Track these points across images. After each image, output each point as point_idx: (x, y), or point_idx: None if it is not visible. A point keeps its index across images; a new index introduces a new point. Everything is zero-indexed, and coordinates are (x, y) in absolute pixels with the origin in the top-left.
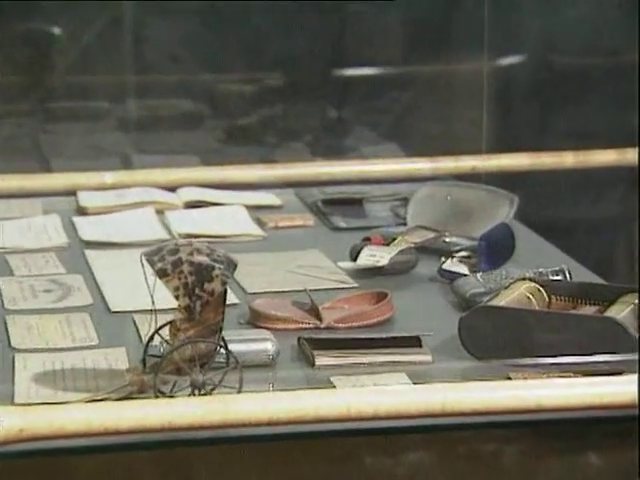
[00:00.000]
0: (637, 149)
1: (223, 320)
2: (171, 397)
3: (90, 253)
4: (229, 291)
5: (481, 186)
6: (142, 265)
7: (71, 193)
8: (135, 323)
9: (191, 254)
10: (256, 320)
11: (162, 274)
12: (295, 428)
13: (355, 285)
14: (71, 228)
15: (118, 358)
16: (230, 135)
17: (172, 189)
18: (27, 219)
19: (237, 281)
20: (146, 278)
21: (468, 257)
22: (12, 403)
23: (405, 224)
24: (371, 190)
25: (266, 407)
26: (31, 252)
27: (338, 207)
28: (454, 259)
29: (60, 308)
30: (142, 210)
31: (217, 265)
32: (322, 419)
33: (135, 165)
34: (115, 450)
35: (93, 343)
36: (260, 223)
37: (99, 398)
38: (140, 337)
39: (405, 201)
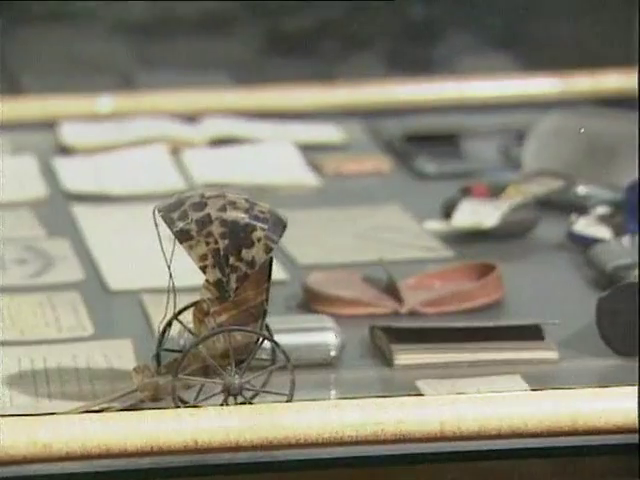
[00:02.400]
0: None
1: (267, 301)
2: (196, 407)
3: (79, 209)
4: (275, 262)
5: (629, 115)
6: (155, 225)
7: (51, 125)
8: (144, 306)
9: (223, 209)
10: (312, 302)
11: (184, 237)
12: (366, 450)
13: (449, 254)
14: (51, 174)
15: (122, 354)
16: (272, 44)
17: (192, 119)
18: None
19: (286, 248)
20: (161, 243)
21: (610, 215)
22: None
23: (521, 168)
24: (472, 121)
25: (327, 421)
26: (2, 208)
27: (425, 145)
28: (590, 218)
29: (39, 285)
30: (150, 149)
31: (259, 225)
32: (404, 438)
33: (140, 85)
34: (119, 479)
35: (86, 333)
36: (316, 168)
37: (96, 408)
38: (152, 325)
39: (520, 136)
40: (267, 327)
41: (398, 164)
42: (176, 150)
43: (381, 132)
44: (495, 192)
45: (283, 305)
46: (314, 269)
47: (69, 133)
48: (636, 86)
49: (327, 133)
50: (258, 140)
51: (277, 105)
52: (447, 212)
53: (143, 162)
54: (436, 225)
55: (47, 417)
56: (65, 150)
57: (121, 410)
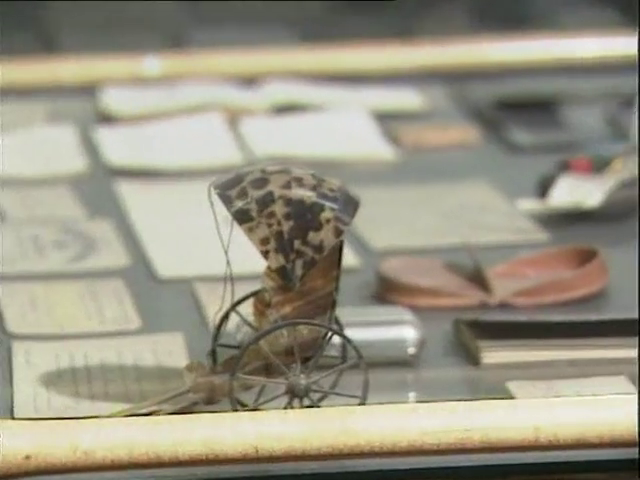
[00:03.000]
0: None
1: (337, 291)
2: (257, 410)
3: (123, 186)
4: (346, 246)
5: None
6: (210, 204)
7: (91, 90)
8: (197, 296)
9: (287, 186)
10: (388, 292)
11: (243, 218)
12: (450, 460)
13: (545, 238)
14: (92, 146)
15: (172, 349)
16: None
17: (251, 83)
18: (24, 132)
19: (358, 231)
20: (217, 225)
21: None
22: (10, 417)
23: (628, 140)
24: (573, 85)
25: (404, 427)
26: (32, 184)
27: (519, 112)
28: None
29: (80, 272)
30: (204, 118)
31: (328, 204)
32: (493, 446)
33: (192, 44)
34: None
35: (132, 326)
36: (393, 139)
37: (144, 411)
38: (206, 317)
39: (629, 102)
40: (337, 320)
41: (487, 134)
42: (233, 119)
43: (468, 98)
44: (599, 167)
45: (355, 295)
46: (390, 254)
47: (112, 99)
48: None
49: (406, 99)
50: (327, 107)
51: (349, 67)
52: (543, 189)
53: (195, 132)
54: (530, 204)
55: (89, 421)
56: (107, 118)
57: (172, 413)
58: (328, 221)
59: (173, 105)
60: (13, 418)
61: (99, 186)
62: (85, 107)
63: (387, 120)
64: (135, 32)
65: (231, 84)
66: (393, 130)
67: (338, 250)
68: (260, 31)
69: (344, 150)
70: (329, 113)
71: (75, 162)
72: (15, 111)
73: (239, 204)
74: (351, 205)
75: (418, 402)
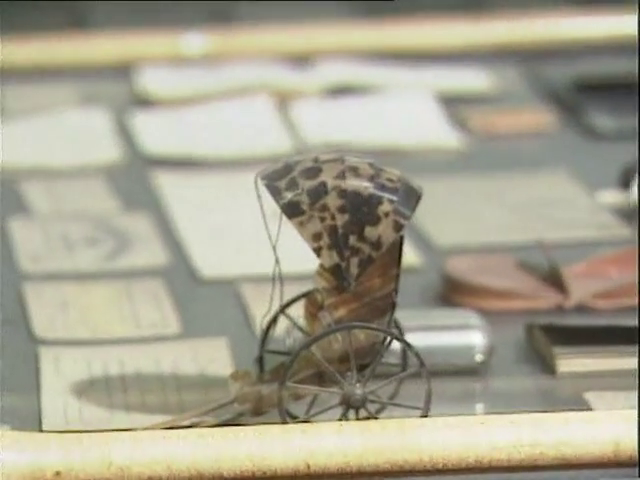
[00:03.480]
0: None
1: (397, 292)
2: (308, 422)
3: (161, 177)
4: (407, 242)
5: None
6: (258, 197)
7: (127, 71)
8: (243, 297)
9: (342, 176)
10: (454, 293)
11: (293, 211)
12: (521, 478)
13: (628, 234)
14: (127, 132)
15: (215, 356)
16: None
17: (303, 63)
18: (52, 117)
19: (420, 226)
20: (264, 219)
21: None
22: (39, 429)
23: None
24: None
25: (472, 442)
26: (61, 175)
27: (599, 95)
28: None
29: (113, 271)
30: (250, 101)
31: (387, 196)
32: (568, 462)
33: (238, 20)
34: None
35: (172, 331)
36: (460, 124)
37: (185, 424)
38: (253, 321)
39: None
40: (396, 324)
41: (564, 119)
42: (283, 102)
43: (543, 78)
44: None
45: (416, 297)
46: (456, 252)
47: (149, 80)
48: None
49: (474, 80)
50: (386, 89)
51: (411, 44)
52: (626, 180)
53: (241, 117)
54: (612, 197)
55: (124, 434)
56: (144, 102)
57: (215, 426)
58: (387, 215)
59: (217, 87)
60: (41, 431)
61: (135, 177)
62: (120, 89)
63: (453, 103)
64: (175, 7)
65: (281, 64)
66: (460, 115)
67: (398, 247)
68: (313, 5)
69: (405, 137)
70: (389, 96)
71: (109, 150)
72: (43, 94)
73: (289, 196)
74: (412, 197)
75: (487, 414)
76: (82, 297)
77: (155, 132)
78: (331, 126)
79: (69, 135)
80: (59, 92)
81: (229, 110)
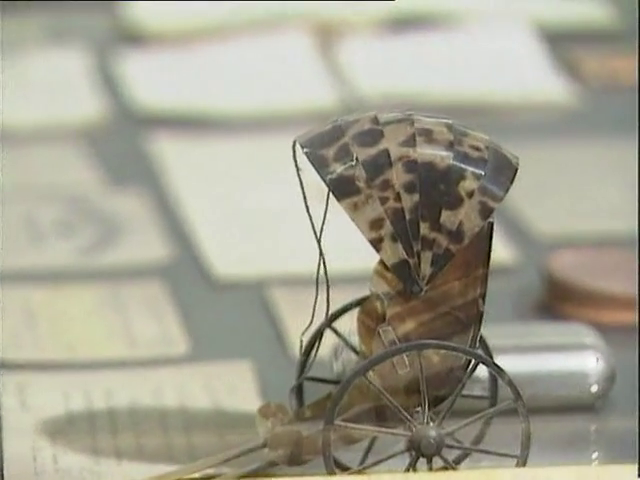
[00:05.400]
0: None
1: (484, 300)
2: (364, 474)
3: (159, 141)
4: (497, 232)
5: None
6: (296, 168)
7: None
8: (273, 305)
9: (410, 143)
10: (560, 301)
11: (344, 189)
12: None
13: None
14: (112, 80)
15: (235, 385)
16: None
17: None
18: (14, 61)
19: (513, 209)
20: (305, 200)
21: None
22: None
23: None
24: None
25: None
26: (26, 138)
27: None
28: None
29: (97, 270)
30: (280, 37)
31: (471, 169)
32: None
33: None
34: None
35: (177, 351)
36: (569, 70)
37: (197, 476)
38: (287, 337)
39: None
40: (483, 342)
41: None
42: (325, 39)
43: None
44: None
45: (510, 306)
46: (563, 245)
47: (141, 9)
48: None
49: (589, 10)
50: (467, 21)
51: None
52: None
53: (268, 59)
54: None
55: None
56: (135, 38)
57: (240, 478)
58: (471, 194)
59: (233, 18)
60: None
61: (124, 141)
62: (102, 21)
63: (561, 42)
64: None
65: None
66: (570, 57)
67: (486, 238)
68: None
69: (494, 87)
70: (470, 30)
71: (88, 105)
72: (10, 28)
73: (339, 169)
74: (505, 170)
75: (604, 464)
76: (55, 305)
77: (150, 80)
78: (393, 72)
79: (35, 84)
80: (21, 26)
81: (251, 49)
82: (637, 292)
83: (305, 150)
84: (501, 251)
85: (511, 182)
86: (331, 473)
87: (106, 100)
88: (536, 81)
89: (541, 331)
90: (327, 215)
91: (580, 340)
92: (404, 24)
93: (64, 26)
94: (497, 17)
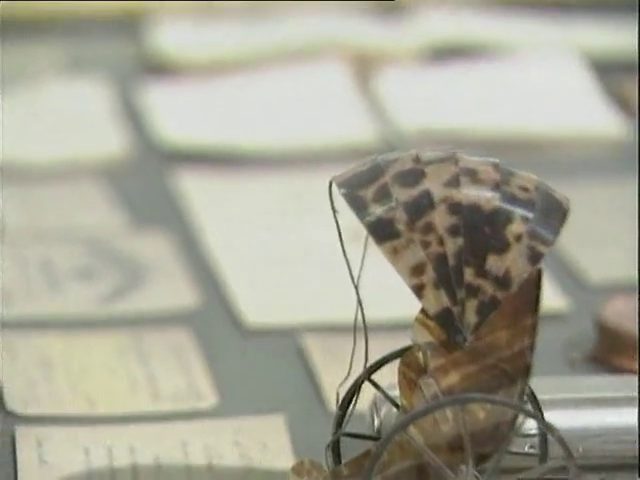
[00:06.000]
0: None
1: (533, 351)
2: None
3: (185, 179)
4: (547, 278)
5: None
6: (332, 210)
7: (134, 26)
8: (307, 354)
9: (454, 183)
10: (614, 352)
11: (383, 232)
12: None
13: None
14: (136, 114)
15: (268, 441)
16: None
17: (391, 13)
18: (30, 92)
19: (566, 253)
20: (341, 242)
21: None
22: None
23: None
24: None
25: None
26: (42, 175)
27: None
28: None
29: (119, 317)
30: (314, 67)
31: (519, 212)
32: None
33: None
34: None
35: (205, 405)
36: (621, 103)
37: None
38: (322, 389)
39: None
40: (532, 396)
41: None
42: (363, 69)
43: None
44: None
45: (560, 356)
46: (617, 291)
47: (166, 38)
48: None
49: (634, 39)
50: (513, 51)
51: None
52: None
53: (301, 92)
54: None
55: None
56: (159, 69)
57: None
58: (519, 238)
59: (264, 48)
60: None
61: (148, 179)
62: (125, 51)
63: (612, 73)
64: None
65: (358, 13)
66: (622, 89)
67: (535, 285)
68: None
69: (543, 122)
70: (517, 61)
71: (109, 139)
72: (18, 57)
73: (378, 211)
74: (556, 213)
75: None
76: (74, 355)
77: (175, 113)
78: (436, 105)
79: (53, 117)
80: (40, 54)
81: (283, 81)
82: None
83: (342, 191)
84: (552, 298)
85: (562, 225)
86: None
87: (129, 135)
88: (587, 114)
89: (593, 384)
90: (365, 259)
91: (633, 394)
92: (446, 54)
93: (85, 55)
94: (542, 47)
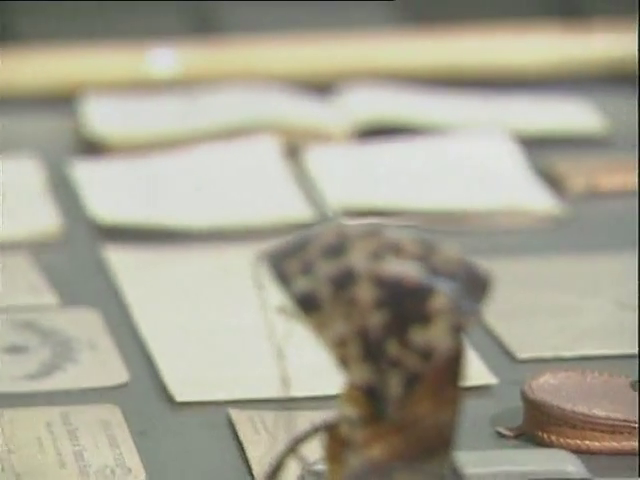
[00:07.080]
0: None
1: (457, 423)
2: None
3: (115, 255)
4: (470, 352)
5: None
6: (258, 285)
7: (67, 103)
8: (233, 430)
9: (377, 257)
10: (540, 426)
11: (308, 307)
12: None
13: None
14: (68, 192)
15: None
16: None
17: (321, 91)
18: None
19: (489, 327)
20: (266, 317)
21: None
22: None
23: None
24: None
25: None
26: None
27: None
28: None
29: (47, 394)
30: (245, 146)
31: (441, 286)
32: None
33: (224, 29)
34: None
35: (133, 478)
36: (552, 180)
37: None
38: (249, 464)
39: None
40: (456, 469)
41: None
42: (292, 148)
43: None
44: None
45: (485, 430)
46: (543, 366)
47: (99, 117)
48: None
49: (573, 115)
50: (443, 129)
51: (477, 63)
52: None
53: (232, 169)
54: None
55: None
56: (92, 148)
57: None
58: (441, 312)
59: (196, 125)
60: None
61: (78, 255)
62: (58, 129)
63: (542, 149)
64: (137, 12)
65: (289, 92)
66: (552, 166)
67: (456, 358)
68: (334, 7)
69: (469, 198)
70: (447, 138)
71: (41, 217)
72: None
73: (302, 284)
74: (478, 287)
75: None
76: (1, 430)
77: (107, 190)
78: (362, 183)
79: None
80: None
81: (214, 159)
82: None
83: (267, 264)
84: (474, 372)
85: (483, 299)
86: None
87: (60, 211)
88: (516, 191)
89: (519, 457)
90: (290, 333)
91: (562, 468)
92: (375, 132)
93: (15, 132)
94: (474, 124)
